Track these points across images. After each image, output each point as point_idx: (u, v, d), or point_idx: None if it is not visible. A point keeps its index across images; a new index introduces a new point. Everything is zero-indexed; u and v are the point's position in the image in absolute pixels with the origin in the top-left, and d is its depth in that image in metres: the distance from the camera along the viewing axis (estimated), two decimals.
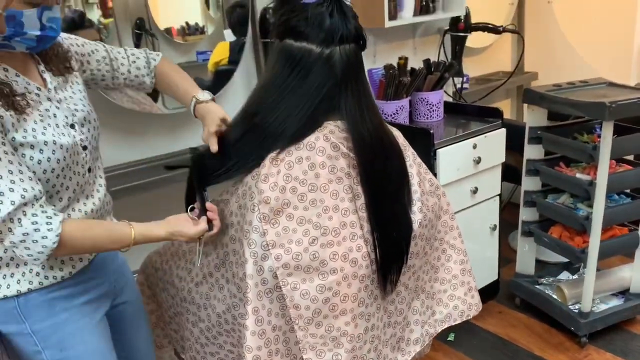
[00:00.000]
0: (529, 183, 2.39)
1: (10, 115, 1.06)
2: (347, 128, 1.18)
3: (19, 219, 1.05)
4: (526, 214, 2.45)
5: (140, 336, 1.45)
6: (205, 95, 1.39)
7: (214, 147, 1.27)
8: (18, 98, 1.08)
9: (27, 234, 1.06)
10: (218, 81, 2.19)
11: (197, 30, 2.13)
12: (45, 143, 1.10)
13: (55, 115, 1.15)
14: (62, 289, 1.22)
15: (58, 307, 1.21)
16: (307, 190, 1.15)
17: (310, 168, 1.16)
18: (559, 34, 3.28)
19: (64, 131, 1.16)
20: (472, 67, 3.12)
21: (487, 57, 3.31)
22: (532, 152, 2.35)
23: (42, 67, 1.19)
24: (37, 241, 1.07)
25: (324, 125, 1.18)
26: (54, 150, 1.11)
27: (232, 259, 1.23)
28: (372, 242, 1.20)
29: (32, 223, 1.06)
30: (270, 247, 1.13)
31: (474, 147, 2.25)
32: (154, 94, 2.08)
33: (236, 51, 2.23)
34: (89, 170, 1.24)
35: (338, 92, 1.16)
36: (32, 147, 1.09)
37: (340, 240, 1.16)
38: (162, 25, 2.02)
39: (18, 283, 1.17)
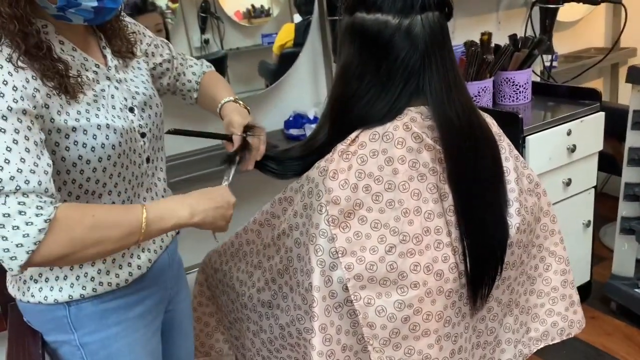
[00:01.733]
0: (631, 174, 2.11)
1: (60, 98, 0.93)
2: (432, 114, 0.99)
3: (6, 195, 0.82)
4: (626, 209, 2.16)
5: (183, 345, 1.34)
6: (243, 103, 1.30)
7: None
8: (72, 80, 0.95)
9: (8, 215, 0.81)
10: (283, 64, 2.11)
11: (262, 12, 2.08)
12: (99, 127, 0.97)
13: (112, 96, 1.03)
14: (117, 298, 1.10)
15: (111, 319, 1.09)
16: (384, 189, 0.97)
17: (387, 163, 0.98)
18: None
19: (121, 114, 1.03)
20: (560, 44, 2.81)
21: (577, 32, 2.99)
22: (636, 138, 2.06)
23: (103, 44, 1.08)
24: (17, 228, 0.81)
25: (404, 113, 1.00)
26: (107, 135, 0.98)
27: (296, 266, 1.08)
28: (462, 251, 1.01)
29: (19, 203, 0.82)
30: (340, 255, 0.97)
31: (569, 133, 1.99)
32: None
33: (302, 32, 2.15)
34: (147, 160, 1.11)
35: (422, 70, 0.97)
36: (84, 131, 0.96)
37: (423, 248, 0.98)
38: (227, 8, 1.97)
39: (71, 287, 1.04)
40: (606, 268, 2.41)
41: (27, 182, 0.83)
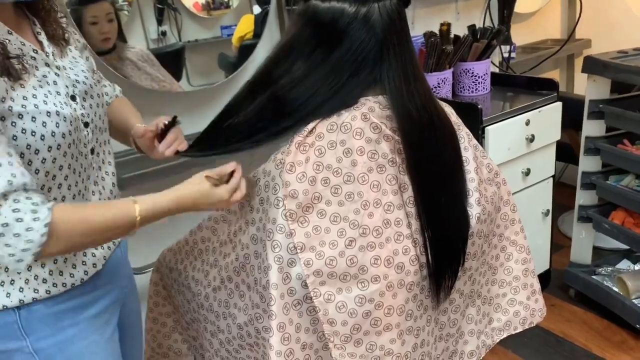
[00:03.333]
0: (588, 163, 2.14)
1: (4, 81, 0.86)
2: (390, 104, 0.96)
3: None
4: (583, 198, 2.20)
5: (134, 350, 1.28)
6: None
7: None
8: (13, 60, 0.88)
9: (7, 224, 0.82)
10: (242, 56, 2.04)
11: (221, 4, 2.01)
12: (48, 114, 0.91)
13: (55, 83, 0.96)
14: (71, 299, 1.03)
15: (65, 321, 1.03)
16: (342, 181, 0.94)
17: (346, 154, 0.95)
18: None
19: (65, 101, 0.96)
20: (517, 35, 2.83)
21: (533, 23, 3.02)
22: (592, 128, 2.09)
23: (37, 29, 1.00)
24: (19, 235, 0.82)
25: (361, 102, 0.97)
26: (57, 123, 0.92)
27: (253, 263, 1.04)
28: (423, 242, 0.99)
29: (13, 211, 0.82)
30: (298, 251, 0.93)
31: (527, 123, 2.01)
32: (177, 71, 1.96)
33: (261, 23, 2.07)
34: (92, 151, 1.04)
35: (379, 59, 0.94)
36: (33, 118, 0.89)
37: (383, 241, 0.95)
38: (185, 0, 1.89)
39: (21, 291, 0.97)
40: (565, 256, 2.44)
41: (10, 183, 0.83)
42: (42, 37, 1.00)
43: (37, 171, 0.92)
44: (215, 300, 1.16)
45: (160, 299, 1.38)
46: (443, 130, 1.03)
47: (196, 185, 1.01)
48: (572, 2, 3.03)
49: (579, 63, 3.23)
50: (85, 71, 1.06)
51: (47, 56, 0.98)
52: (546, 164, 2.16)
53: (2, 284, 0.97)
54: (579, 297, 2.32)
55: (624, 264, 2.37)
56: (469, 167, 1.07)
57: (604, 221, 2.13)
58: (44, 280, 0.99)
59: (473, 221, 1.05)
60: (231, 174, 1.02)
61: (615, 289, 2.17)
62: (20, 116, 0.88)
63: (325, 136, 0.96)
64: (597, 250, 2.48)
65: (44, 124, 0.91)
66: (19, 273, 0.97)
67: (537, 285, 1.25)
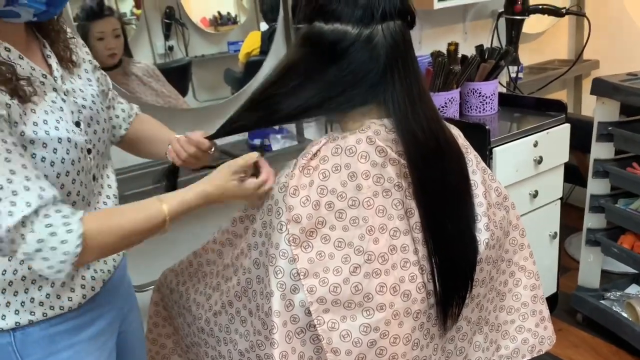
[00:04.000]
0: (597, 186, 2.11)
1: (18, 105, 0.86)
2: (395, 127, 0.94)
3: (32, 222, 0.83)
4: (592, 221, 2.16)
5: None
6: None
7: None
8: (23, 82, 0.88)
9: (42, 240, 0.83)
10: (249, 72, 2.04)
11: (229, 20, 2.03)
12: (59, 140, 0.91)
13: (61, 109, 0.95)
14: (67, 321, 1.01)
15: (61, 344, 1.01)
16: (347, 205, 0.92)
17: (351, 178, 0.93)
18: (625, 18, 2.95)
19: (73, 128, 0.96)
20: (525, 55, 2.82)
21: (541, 44, 3.01)
22: (600, 150, 2.06)
23: (47, 51, 0.99)
24: (55, 248, 0.84)
25: (366, 125, 0.95)
26: (67, 150, 0.92)
27: (255, 288, 1.01)
28: (430, 269, 0.96)
29: (46, 226, 0.83)
30: (301, 277, 0.91)
31: (535, 144, 1.99)
32: (183, 86, 1.96)
33: (268, 40, 2.08)
34: (94, 178, 1.03)
35: (382, 81, 0.93)
36: (44, 145, 0.89)
37: (389, 268, 0.92)
38: (193, 15, 1.91)
39: (17, 314, 0.96)
40: (572, 279, 2.40)
41: (40, 197, 0.83)
42: (52, 60, 0.99)
43: None
44: (216, 325, 1.13)
45: (160, 320, 1.35)
46: (450, 153, 1.01)
47: (223, 181, 0.99)
48: (580, 23, 3.02)
49: (586, 84, 3.22)
50: (93, 95, 1.04)
51: (55, 81, 0.97)
52: (554, 186, 2.14)
53: None
54: (586, 321, 2.28)
55: (633, 289, 2.33)
56: (477, 191, 1.05)
57: (613, 245, 2.09)
58: (41, 304, 0.97)
59: (481, 247, 1.03)
60: (255, 164, 1.02)
61: (625, 315, 2.13)
62: (32, 142, 0.88)
63: (330, 159, 0.94)
64: (605, 274, 2.44)
65: (55, 151, 0.90)
66: (15, 294, 0.96)
67: (547, 312, 1.21)
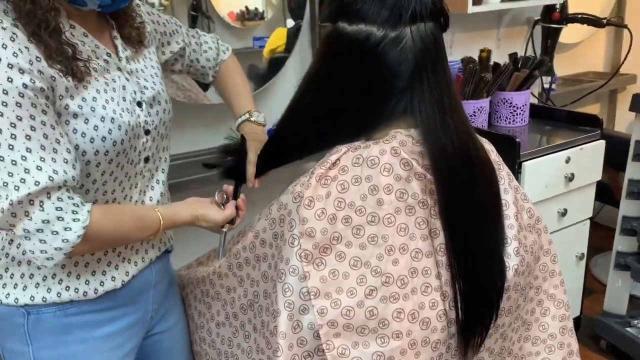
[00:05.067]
0: (630, 207, 2.00)
1: (67, 81, 0.88)
2: (422, 139, 0.86)
3: (41, 201, 0.84)
4: (622, 244, 2.05)
5: None
6: (261, 117, 1.25)
7: (251, 182, 1.16)
8: (80, 64, 0.89)
9: (48, 221, 0.84)
10: (272, 69, 2.01)
11: (256, 15, 2.00)
12: (102, 119, 0.91)
13: (124, 88, 0.97)
14: (83, 314, 0.98)
15: (72, 335, 0.98)
16: (366, 221, 0.84)
17: (372, 192, 0.85)
18: None
19: (129, 107, 0.97)
20: (559, 66, 2.71)
21: (576, 55, 2.89)
22: (636, 170, 1.95)
23: (115, 33, 1.01)
24: (57, 233, 0.85)
25: (391, 135, 0.87)
26: (110, 130, 0.92)
27: (262, 303, 0.94)
28: (453, 296, 0.88)
29: (56, 209, 0.85)
30: (312, 297, 0.83)
31: (567, 160, 1.88)
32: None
33: (293, 37, 2.04)
34: (147, 159, 1.02)
35: (411, 89, 0.85)
36: (86, 120, 0.90)
37: (409, 292, 0.84)
38: (220, 8, 1.88)
39: (36, 287, 0.95)
40: (595, 302, 2.29)
41: (51, 179, 0.84)
42: (118, 42, 1.00)
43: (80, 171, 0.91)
44: (218, 337, 1.07)
45: None
46: (482, 169, 0.92)
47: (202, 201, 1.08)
48: (619, 34, 2.90)
49: (621, 99, 3.09)
50: (154, 75, 1.06)
51: (119, 60, 0.99)
52: (585, 205, 2.03)
53: (22, 276, 0.96)
54: (610, 349, 2.17)
55: None
56: (509, 212, 0.96)
57: None
58: (60, 281, 0.96)
59: (510, 273, 0.94)
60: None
61: None
62: (75, 116, 0.89)
63: (350, 170, 0.86)
64: (631, 299, 2.32)
65: (96, 128, 0.90)
66: (39, 268, 0.95)
67: (575, 346, 1.12)
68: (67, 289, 0.96)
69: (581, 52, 2.90)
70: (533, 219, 1.03)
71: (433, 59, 0.85)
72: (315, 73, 0.93)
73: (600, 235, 2.55)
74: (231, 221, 1.09)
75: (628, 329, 2.12)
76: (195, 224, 1.06)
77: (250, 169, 1.14)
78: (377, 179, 0.84)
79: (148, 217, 0.99)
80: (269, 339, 0.90)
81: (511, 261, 0.94)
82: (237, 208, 1.12)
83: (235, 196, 1.13)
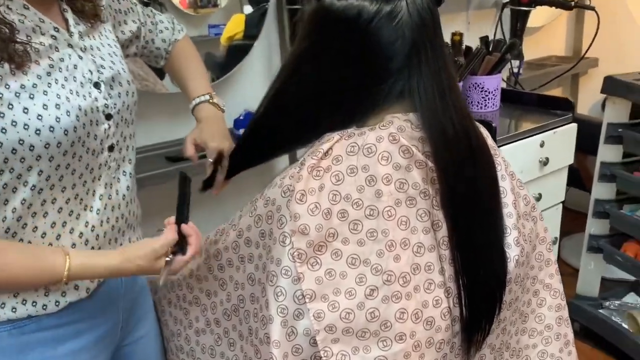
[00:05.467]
0: (602, 190, 2.00)
1: (2, 67, 0.76)
2: (422, 123, 0.79)
3: None
4: (595, 227, 2.05)
5: None
6: (222, 102, 1.16)
7: (218, 188, 1.07)
8: (19, 47, 0.77)
9: None
10: (232, 57, 1.90)
11: (209, 2, 1.89)
12: (45, 106, 0.78)
13: (75, 67, 0.85)
14: (43, 330, 0.85)
15: (31, 355, 0.85)
16: (364, 215, 0.77)
17: (369, 183, 0.77)
18: (625, 15, 2.85)
19: (82, 90, 0.84)
20: (524, 50, 2.69)
21: (538, 39, 2.89)
22: (608, 153, 1.95)
23: (64, 5, 0.89)
24: None
25: (387, 120, 0.80)
26: (57, 117, 0.79)
27: (248, 308, 0.86)
28: (457, 292, 0.82)
29: None
30: (307, 300, 0.75)
31: (542, 145, 1.86)
32: (162, 69, 1.82)
33: (253, 25, 1.95)
34: (111, 148, 0.90)
35: (408, 68, 0.78)
36: (25, 110, 0.77)
37: (411, 291, 0.78)
38: None
39: None
40: (566, 285, 2.26)
41: None
42: (69, 15, 0.88)
43: (29, 168, 0.80)
44: (198, 345, 0.98)
45: None
46: (482, 155, 0.86)
47: (145, 263, 0.85)
48: (580, 18, 2.91)
49: (583, 82, 3.12)
50: (114, 54, 0.95)
51: (70, 36, 0.87)
52: (557, 189, 2.02)
53: None
54: (584, 332, 2.17)
55: (631, 298, 2.23)
56: (507, 200, 0.91)
57: (617, 253, 1.98)
58: (15, 294, 0.83)
59: (511, 265, 0.89)
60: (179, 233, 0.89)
61: (625, 326, 2.03)
62: (11, 106, 0.76)
63: (344, 159, 0.78)
64: (603, 281, 2.34)
65: (40, 117, 0.78)
66: None
67: (571, 335, 1.09)
68: (24, 302, 0.83)
69: (543, 36, 2.90)
70: (529, 207, 0.98)
71: (430, 34, 0.78)
72: (300, 56, 0.85)
73: (567, 219, 2.56)
74: (181, 249, 0.89)
75: (601, 310, 2.13)
76: (125, 269, 0.85)
77: (219, 177, 1.05)
78: (375, 169, 0.77)
79: (47, 261, 0.80)
80: (259, 347, 0.82)
81: (512, 252, 0.89)
82: (184, 236, 0.91)
83: (182, 217, 0.91)
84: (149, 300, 1.08)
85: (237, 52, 1.91)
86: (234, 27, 1.91)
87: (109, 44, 0.95)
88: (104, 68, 0.90)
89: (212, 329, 0.94)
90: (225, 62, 1.90)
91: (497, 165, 0.92)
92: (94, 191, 0.89)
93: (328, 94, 0.81)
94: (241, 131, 1.85)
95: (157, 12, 1.17)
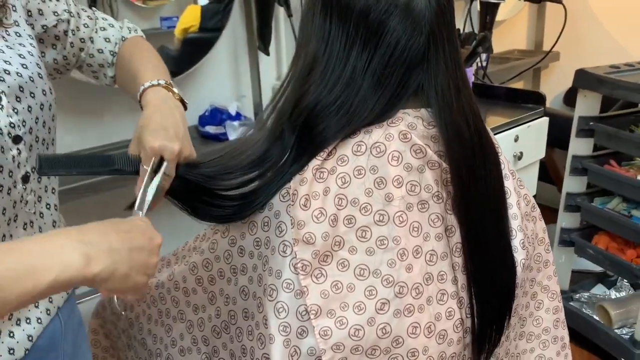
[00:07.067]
0: (573, 184, 2.00)
1: None
2: (437, 121, 0.73)
3: None
4: (566, 220, 2.06)
5: None
6: (180, 92, 0.88)
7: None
8: None
9: None
10: (188, 51, 1.81)
11: None
12: None
13: None
14: None
15: None
16: (373, 221, 0.70)
17: (378, 185, 0.71)
18: (584, 9, 2.88)
19: None
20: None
21: (501, 32, 2.89)
22: (580, 146, 1.95)
23: None
24: None
25: (398, 117, 0.73)
26: None
27: (241, 325, 0.78)
28: (469, 302, 0.76)
29: None
30: (312, 316, 0.68)
31: (516, 139, 1.84)
32: None
33: (210, 16, 1.86)
34: (25, 178, 0.72)
35: (425, 60, 0.71)
36: None
37: (424, 303, 0.72)
38: None
39: None
40: None
41: None
42: None
43: None
44: None
45: (99, 351, 1.08)
46: (490, 156, 0.81)
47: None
48: (541, 13, 2.93)
49: (545, 76, 3.15)
50: (25, 56, 0.74)
51: None
52: (529, 184, 2.01)
53: None
54: None
55: (599, 289, 2.26)
56: (511, 201, 0.86)
57: (588, 246, 1.99)
58: None
59: (519, 269, 0.84)
60: None
61: (596, 317, 2.05)
62: None
63: (350, 160, 0.71)
64: (572, 274, 2.36)
65: None
66: None
67: (567, 337, 1.06)
68: None
69: (505, 30, 2.91)
70: (529, 207, 0.93)
71: (447, 24, 0.72)
72: (314, 50, 0.74)
73: None
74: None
75: (571, 303, 2.15)
76: (89, 267, 0.58)
77: (165, 183, 0.77)
78: (385, 170, 0.70)
79: None
80: None
81: (519, 255, 0.84)
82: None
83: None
84: (86, 340, 0.92)
85: (194, 46, 1.82)
86: (189, 19, 1.82)
87: (20, 44, 0.76)
88: (8, 74, 0.71)
89: (199, 348, 0.85)
90: (181, 55, 1.81)
91: (501, 163, 0.87)
92: (11, 235, 0.71)
93: (336, 93, 0.73)
94: (207, 128, 1.75)
95: (101, 14, 0.96)
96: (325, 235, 0.68)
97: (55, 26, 0.86)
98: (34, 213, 0.75)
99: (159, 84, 0.84)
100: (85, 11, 0.92)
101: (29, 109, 0.72)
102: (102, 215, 0.68)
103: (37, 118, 0.74)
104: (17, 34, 0.77)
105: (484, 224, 0.77)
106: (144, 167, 0.74)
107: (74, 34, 0.88)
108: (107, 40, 0.92)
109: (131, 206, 0.74)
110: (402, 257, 0.70)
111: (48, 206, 0.78)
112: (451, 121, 0.72)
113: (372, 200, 0.70)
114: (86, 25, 0.90)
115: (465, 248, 0.75)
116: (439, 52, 0.71)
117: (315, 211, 0.69)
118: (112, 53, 0.93)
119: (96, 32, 0.92)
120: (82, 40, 0.90)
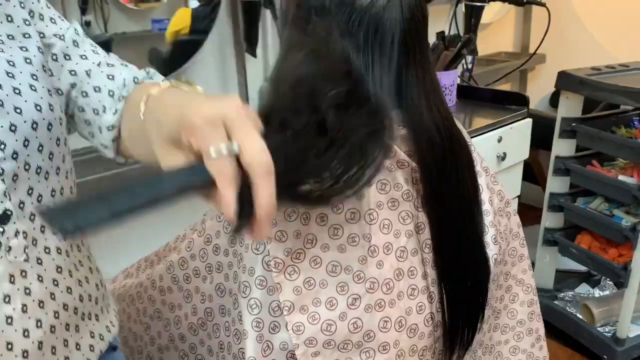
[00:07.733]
0: (557, 184, 2.03)
1: None
2: (406, 122, 0.75)
3: None
4: (550, 220, 2.08)
5: None
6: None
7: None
8: None
9: None
10: (179, 53, 1.83)
11: None
12: None
13: None
14: None
15: None
16: (344, 219, 0.72)
17: None
18: (569, 12, 2.92)
19: None
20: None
21: (488, 35, 2.93)
22: (562, 147, 1.98)
23: None
24: None
25: None
26: None
27: (218, 321, 0.79)
28: (439, 297, 0.78)
29: None
30: (284, 312, 0.70)
31: (499, 140, 1.86)
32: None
33: (200, 19, 1.88)
34: (2, 219, 0.56)
35: (400, 65, 0.73)
36: None
37: (395, 298, 0.73)
38: None
39: None
40: None
41: None
42: None
43: None
44: None
45: None
46: (462, 154, 0.83)
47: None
48: (528, 16, 2.97)
49: (531, 78, 3.18)
50: (18, 63, 0.60)
51: None
52: (513, 184, 2.03)
53: None
54: None
55: (583, 288, 2.29)
56: (484, 197, 0.88)
57: (571, 245, 2.02)
58: None
59: (491, 265, 0.86)
60: None
61: (579, 316, 2.07)
62: None
63: None
64: (556, 273, 2.38)
65: None
66: None
67: (542, 330, 1.09)
68: None
69: (492, 32, 2.94)
70: (503, 202, 0.95)
71: (419, 31, 0.74)
72: (287, 47, 0.77)
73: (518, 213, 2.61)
74: None
75: (555, 302, 2.17)
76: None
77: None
78: None
79: None
80: None
81: (490, 251, 0.86)
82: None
83: None
84: None
85: (185, 48, 1.83)
86: (180, 22, 1.84)
87: (21, 47, 0.62)
88: None
89: (177, 345, 0.87)
90: (172, 57, 1.82)
91: (473, 160, 0.89)
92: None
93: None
94: None
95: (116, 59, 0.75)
96: (297, 233, 0.70)
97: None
98: (26, 261, 0.58)
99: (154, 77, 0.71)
100: (94, 47, 0.73)
101: (12, 127, 0.57)
102: None
103: (25, 140, 0.58)
104: (10, 36, 0.63)
105: (453, 222, 0.79)
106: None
107: (55, 59, 0.68)
108: (111, 77, 0.69)
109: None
110: (373, 253, 0.72)
111: (47, 250, 0.61)
112: (421, 122, 0.74)
113: None
114: (84, 57, 0.70)
115: (434, 244, 0.77)
116: (409, 58, 0.73)
117: (288, 210, 0.70)
118: (111, 93, 0.68)
119: (98, 65, 0.71)
120: (73, 72, 0.69)
